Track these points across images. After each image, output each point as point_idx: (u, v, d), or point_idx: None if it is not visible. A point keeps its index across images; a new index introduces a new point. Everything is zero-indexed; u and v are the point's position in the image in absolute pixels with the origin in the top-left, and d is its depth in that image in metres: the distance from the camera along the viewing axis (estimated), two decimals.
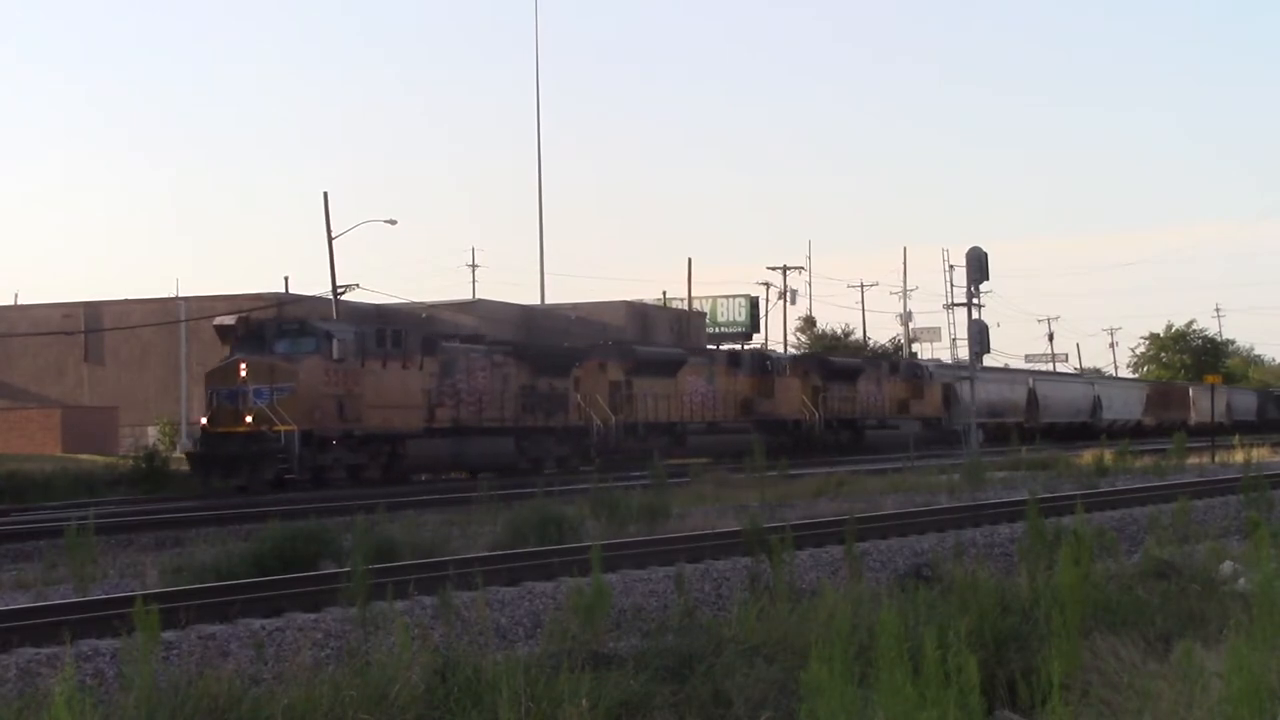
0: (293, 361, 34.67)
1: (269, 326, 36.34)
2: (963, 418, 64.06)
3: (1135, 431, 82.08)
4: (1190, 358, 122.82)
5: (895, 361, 68.88)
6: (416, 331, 41.62)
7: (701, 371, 51.00)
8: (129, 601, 11.45)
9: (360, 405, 35.70)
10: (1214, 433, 61.41)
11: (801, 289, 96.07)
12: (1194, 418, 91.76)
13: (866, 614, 11.13)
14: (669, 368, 49.18)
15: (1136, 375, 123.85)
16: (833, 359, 62.68)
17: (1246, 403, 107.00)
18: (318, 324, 36.61)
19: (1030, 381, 79.87)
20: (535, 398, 42.67)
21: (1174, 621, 11.96)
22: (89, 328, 61.42)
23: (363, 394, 35.82)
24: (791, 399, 55.10)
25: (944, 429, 64.36)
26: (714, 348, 57.93)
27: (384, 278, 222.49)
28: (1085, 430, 78.36)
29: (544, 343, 52.59)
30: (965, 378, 67.20)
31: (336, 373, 35.16)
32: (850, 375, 60.24)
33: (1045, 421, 74.78)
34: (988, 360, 74.48)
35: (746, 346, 79.78)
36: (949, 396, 66.47)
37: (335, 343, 35.29)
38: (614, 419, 45.48)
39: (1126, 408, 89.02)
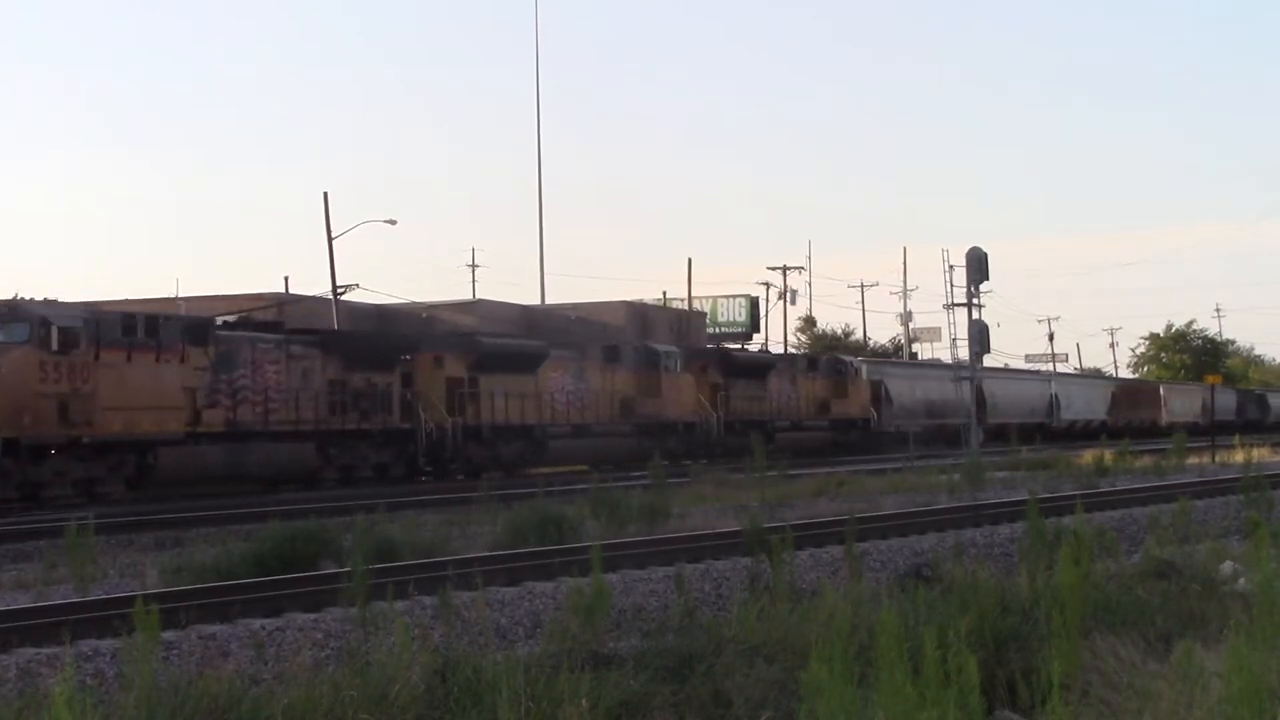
0: None
1: None
2: (897, 418, 61.14)
3: (1098, 433, 76.36)
4: (1190, 358, 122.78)
5: (814, 357, 62.55)
6: (178, 318, 35.50)
7: (569, 367, 45.08)
8: (129, 601, 11.46)
9: (92, 406, 29.64)
10: (1218, 433, 60.17)
11: (801, 289, 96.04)
12: (1166, 418, 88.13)
13: (866, 614, 11.13)
14: (526, 363, 42.97)
15: (1126, 372, 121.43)
16: (736, 354, 56.41)
17: (1224, 402, 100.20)
18: (33, 307, 30.01)
19: (978, 379, 74.83)
20: (347, 396, 36.55)
21: (1174, 621, 11.96)
22: None
23: (95, 392, 29.74)
24: (684, 399, 49.06)
25: (872, 431, 59.69)
26: (593, 342, 50.49)
27: (384, 278, 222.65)
28: (1041, 432, 72.80)
29: (363, 332, 47.23)
30: (897, 375, 63.90)
31: (57, 367, 29.21)
32: (758, 372, 54.38)
33: (994, 422, 68.96)
34: (960, 355, 72.76)
35: (747, 346, 79.86)
36: (879, 395, 61.40)
37: (55, 330, 29.19)
38: (451, 421, 39.27)
39: (1088, 407, 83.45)
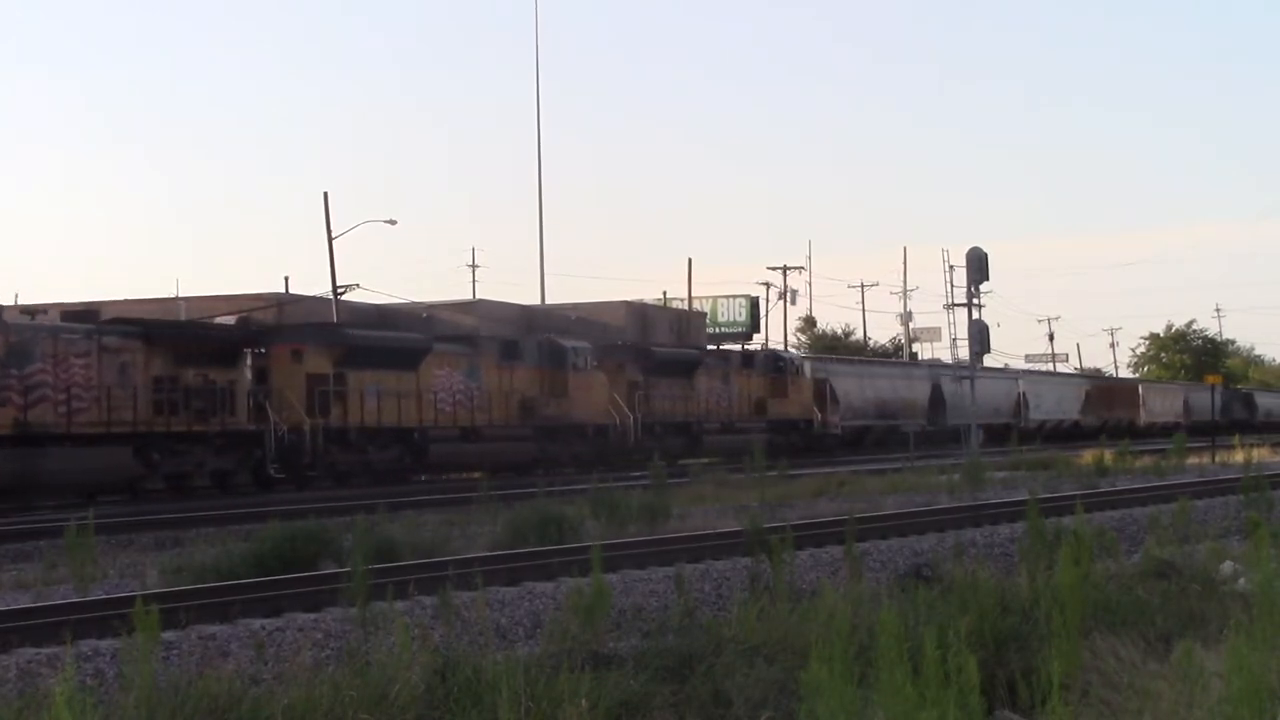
0: None
1: None
2: (844, 419, 57.50)
3: (1071, 434, 73.69)
4: (1190, 358, 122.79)
5: (749, 353, 57.28)
6: None
7: (458, 364, 40.69)
8: (129, 601, 11.46)
9: None
10: (1214, 433, 58.57)
11: (802, 289, 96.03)
12: (1144, 418, 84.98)
13: (866, 614, 11.14)
14: (405, 358, 38.77)
15: (1122, 369, 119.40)
16: (657, 349, 51.08)
17: (1206, 401, 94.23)
18: None
19: (935, 376, 69.74)
20: (177, 394, 32.51)
21: (1174, 621, 11.96)
22: None
23: None
24: (594, 399, 44.72)
25: (815, 433, 55.54)
26: (490, 336, 46.58)
27: (384, 278, 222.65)
28: (1008, 433, 69.61)
29: (198, 322, 42.06)
30: (844, 373, 59.83)
31: None
32: (684, 370, 50.15)
33: (954, 423, 64.39)
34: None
35: (748, 346, 79.88)
36: (823, 394, 57.14)
37: None
38: (311, 422, 35.15)
39: (1060, 407, 78.98)
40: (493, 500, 24.32)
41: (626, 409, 45.70)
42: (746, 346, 79.29)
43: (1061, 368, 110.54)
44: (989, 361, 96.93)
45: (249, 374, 34.90)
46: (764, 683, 10.09)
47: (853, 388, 60.72)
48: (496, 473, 37.18)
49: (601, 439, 44.66)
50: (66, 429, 30.09)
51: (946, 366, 74.50)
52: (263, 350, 35.98)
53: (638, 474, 33.04)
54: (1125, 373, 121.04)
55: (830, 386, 57.54)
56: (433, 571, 15.47)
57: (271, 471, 34.80)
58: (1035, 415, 74.58)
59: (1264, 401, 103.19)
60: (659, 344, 54.03)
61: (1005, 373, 79.82)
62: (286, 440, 34.47)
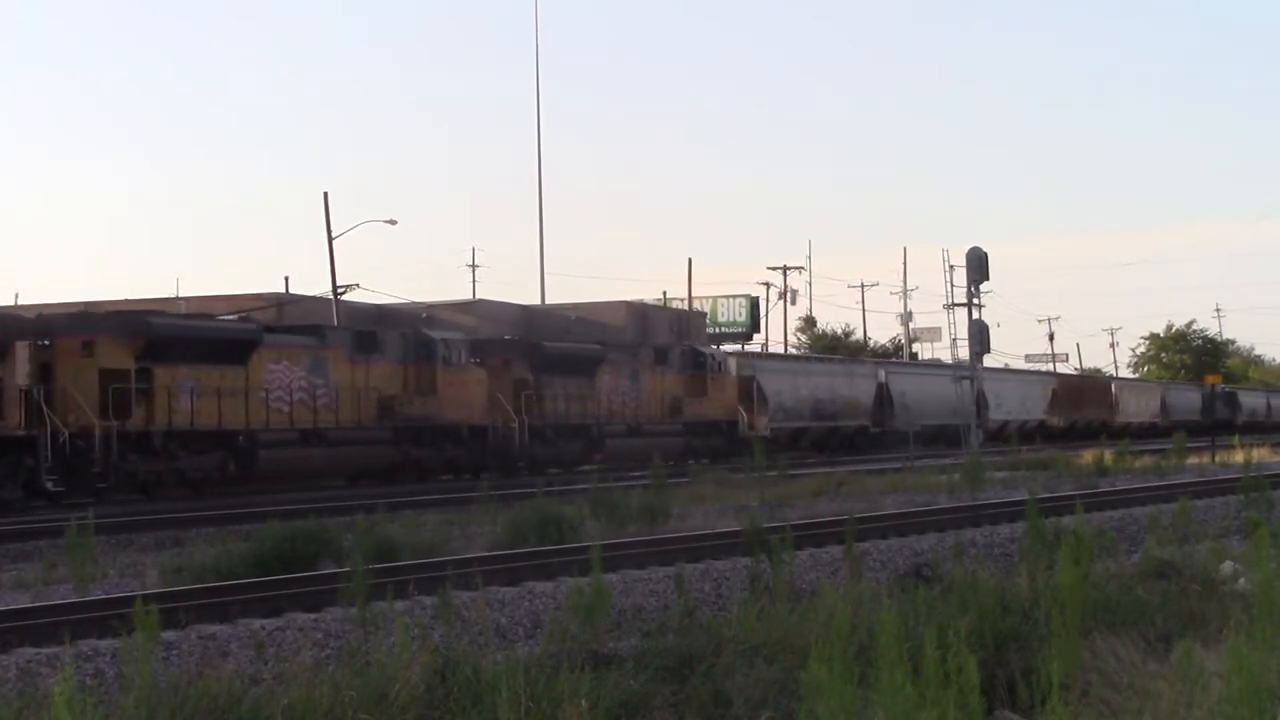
0: None
1: None
2: (774, 420, 53.46)
3: (1036, 435, 69.11)
4: (1190, 358, 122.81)
5: (663, 349, 51.02)
6: None
7: (300, 359, 35.18)
8: (129, 601, 11.46)
9: None
10: (1213, 433, 57.22)
11: (802, 289, 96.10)
12: (1118, 418, 79.92)
13: (866, 614, 11.13)
14: (231, 352, 33.37)
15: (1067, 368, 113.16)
16: (549, 344, 45.62)
17: (1187, 400, 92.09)
18: None
19: (880, 374, 64.31)
20: None
21: (1174, 621, 11.96)
22: None
23: None
24: (470, 398, 39.73)
25: (741, 435, 49.84)
26: (342, 326, 42.50)
27: (384, 278, 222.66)
28: (966, 434, 66.36)
29: None
30: (774, 371, 55.68)
31: None
32: (583, 367, 44.90)
33: (903, 424, 61.28)
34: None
35: (746, 346, 79.86)
36: (750, 394, 52.36)
37: None
38: (103, 426, 29.80)
39: (1023, 406, 73.53)
40: (493, 500, 24.33)
41: (511, 409, 40.69)
42: (745, 346, 79.34)
43: (1062, 368, 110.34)
44: (1012, 364, 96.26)
45: (22, 370, 28.90)
46: (764, 683, 10.09)
47: (784, 387, 56.01)
48: (358, 481, 35.52)
49: (479, 443, 39.91)
50: None
51: (894, 363, 71.76)
52: (46, 343, 30.47)
53: (523, 485, 30.03)
54: (1125, 372, 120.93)
55: (758, 385, 52.90)
56: (433, 571, 15.47)
57: (48, 484, 29.01)
58: (995, 415, 69.39)
59: (1248, 401, 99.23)
60: (552, 338, 48.83)
61: (963, 369, 76.77)
62: (69, 447, 28.96)
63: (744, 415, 50.84)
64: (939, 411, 63.73)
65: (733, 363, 53.23)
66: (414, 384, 38.39)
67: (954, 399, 65.03)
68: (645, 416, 46.92)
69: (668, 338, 65.80)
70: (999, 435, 66.31)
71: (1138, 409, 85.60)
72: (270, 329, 36.54)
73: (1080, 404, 79.18)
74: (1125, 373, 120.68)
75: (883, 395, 62.18)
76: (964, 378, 67.02)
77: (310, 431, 35.30)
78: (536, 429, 41.77)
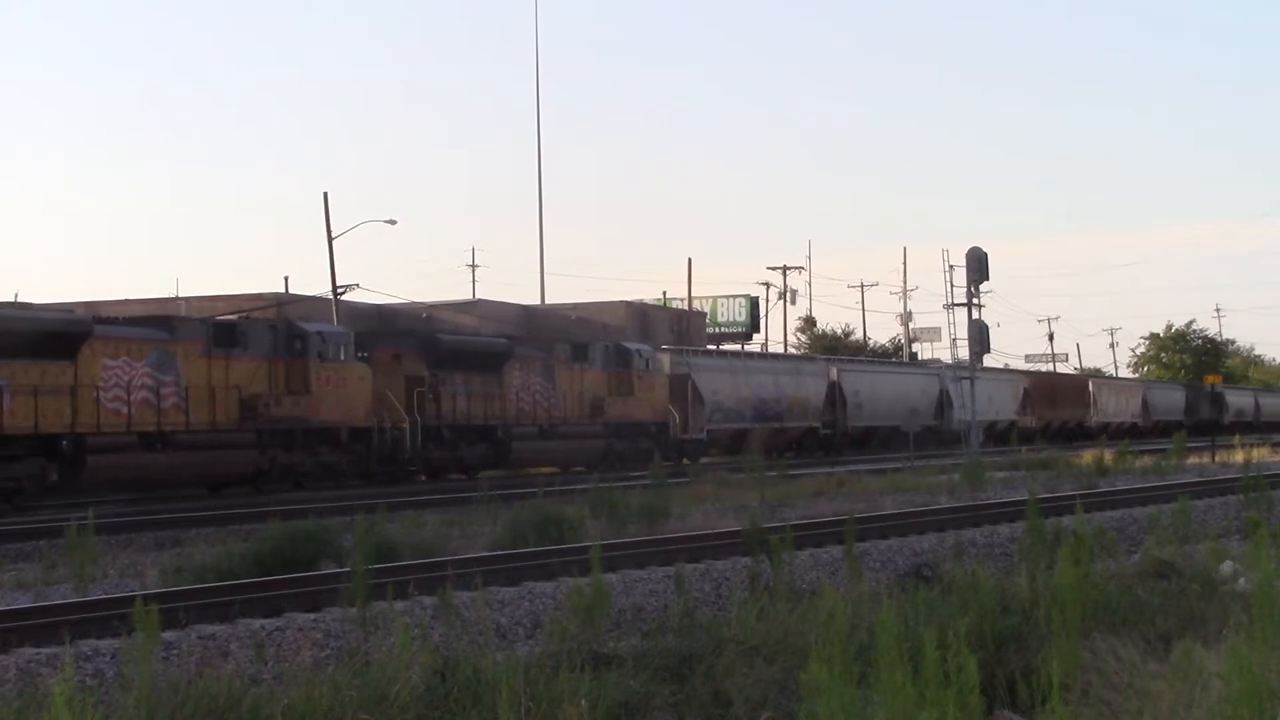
0: None
1: None
2: (712, 421, 50.14)
3: (1007, 436, 64.95)
4: (1190, 358, 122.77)
5: (582, 344, 47.01)
6: None
7: (140, 352, 31.22)
8: (129, 601, 11.47)
9: None
10: (1215, 433, 57.42)
11: (801, 289, 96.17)
12: (1095, 418, 77.25)
13: (866, 614, 11.13)
14: (53, 345, 29.44)
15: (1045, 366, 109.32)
16: (447, 337, 41.43)
17: (1170, 400, 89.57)
18: None
19: (832, 372, 59.95)
20: None
21: (1174, 621, 11.96)
22: None
23: None
24: (351, 397, 35.70)
25: (672, 437, 46.98)
26: (198, 319, 37.02)
27: (384, 278, 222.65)
28: (926, 435, 61.26)
29: None
30: (711, 368, 52.02)
31: None
32: (487, 363, 40.74)
33: (858, 425, 58.54)
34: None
35: (746, 347, 79.86)
36: (684, 393, 48.57)
37: None
38: None
39: (991, 406, 68.24)
40: (493, 500, 24.33)
41: (403, 409, 36.98)
42: (745, 346, 79.31)
43: (1062, 368, 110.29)
44: (1011, 364, 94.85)
45: None
46: (764, 683, 10.09)
47: (723, 385, 52.20)
48: (217, 490, 32.30)
49: (361, 446, 36.05)
50: None
51: (848, 360, 66.45)
52: None
53: (410, 493, 28.81)
54: (1125, 372, 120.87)
55: (693, 384, 49.18)
56: (433, 571, 15.48)
57: None
58: (961, 415, 64.18)
59: (1236, 400, 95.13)
60: (453, 331, 44.87)
61: (924, 369, 71.29)
62: None
63: (676, 416, 47.40)
64: (896, 411, 60.45)
65: (666, 360, 49.55)
66: (283, 382, 34.20)
67: (915, 397, 62.77)
68: (560, 417, 42.81)
69: (667, 338, 65.81)
70: (963, 436, 62.93)
71: (1117, 409, 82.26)
72: (105, 320, 32.83)
73: (1055, 403, 75.17)
74: (1125, 372, 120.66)
75: (835, 395, 58.59)
76: (931, 375, 65.55)
77: (153, 435, 31.09)
78: (432, 430, 38.05)
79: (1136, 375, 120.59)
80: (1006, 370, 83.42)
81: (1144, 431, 71.18)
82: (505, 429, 40.62)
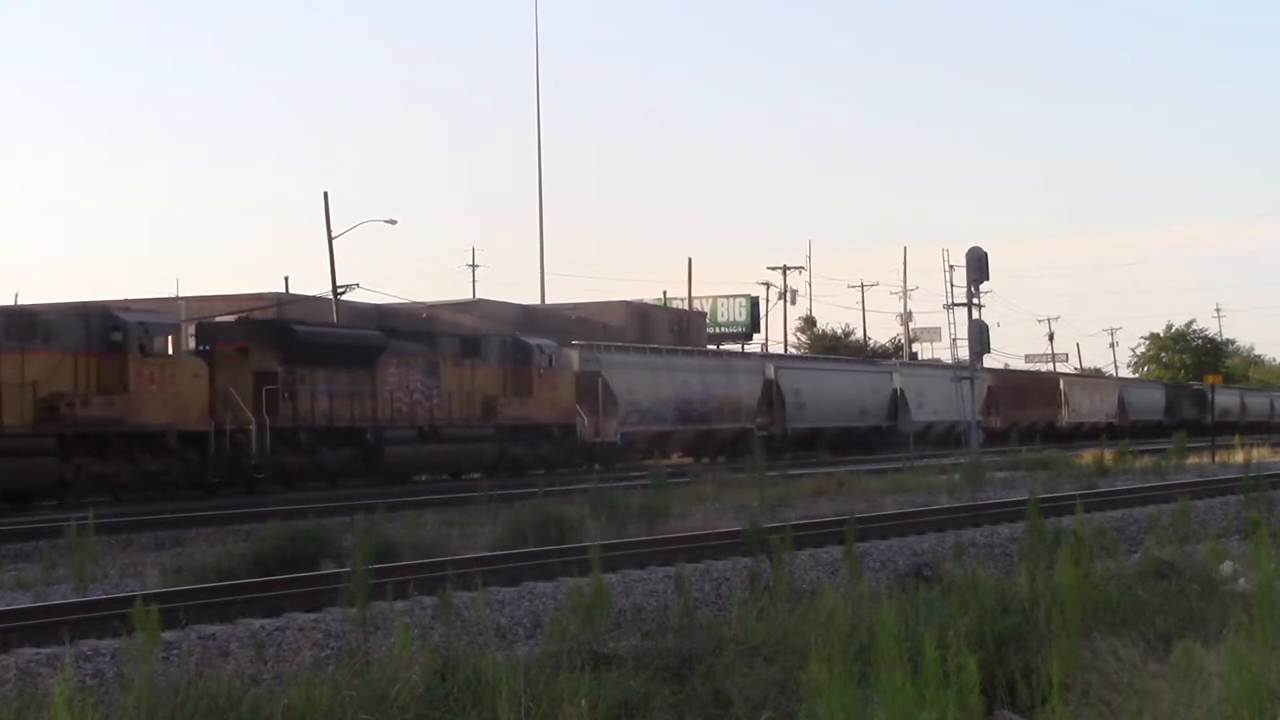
0: None
1: None
2: (626, 423, 46.23)
3: (967, 438, 62.44)
4: (1190, 358, 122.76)
5: (473, 337, 42.91)
6: None
7: None
8: (129, 601, 11.46)
9: None
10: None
11: (801, 289, 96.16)
12: (1068, 418, 74.03)
13: (866, 614, 11.13)
14: None
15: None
16: (305, 327, 36.50)
17: (1148, 399, 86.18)
18: None
19: (769, 370, 55.46)
20: None
21: (1174, 621, 11.96)
22: None
23: None
24: (182, 395, 31.55)
25: (580, 441, 43.15)
26: None
27: (384, 278, 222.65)
28: (879, 437, 59.28)
29: None
30: (626, 365, 48.12)
31: None
32: (356, 357, 36.32)
33: (799, 427, 54.33)
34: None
35: (746, 347, 79.88)
36: (594, 392, 44.58)
37: None
38: None
39: (952, 406, 62.01)
40: (493, 500, 24.34)
41: (250, 410, 32.65)
42: (745, 347, 79.26)
43: (1061, 368, 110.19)
44: (1011, 364, 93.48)
45: None
46: (764, 683, 10.08)
47: (640, 384, 47.84)
48: (22, 505, 28.44)
49: (194, 452, 31.63)
50: None
51: (787, 358, 61.77)
52: None
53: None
54: (1125, 372, 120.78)
55: (604, 382, 45.30)
56: (433, 571, 15.48)
57: None
58: (918, 416, 62.00)
59: (1221, 399, 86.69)
60: (310, 322, 40.15)
61: (877, 367, 67.09)
62: None
63: (584, 418, 43.49)
64: (844, 411, 57.39)
65: (574, 356, 45.86)
66: (94, 380, 30.15)
67: (865, 397, 58.92)
68: (445, 418, 38.64)
69: (667, 338, 65.76)
70: (921, 439, 59.79)
71: (1091, 408, 78.47)
72: None
73: (1022, 403, 70.39)
74: (1125, 372, 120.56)
75: (772, 394, 54.28)
76: (883, 373, 61.74)
77: None
78: (285, 433, 33.72)
79: (1136, 374, 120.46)
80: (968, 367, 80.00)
81: (1120, 432, 66.90)
82: (376, 431, 36.35)
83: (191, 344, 34.99)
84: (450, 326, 53.75)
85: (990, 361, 67.51)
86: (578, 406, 43.39)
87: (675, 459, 47.56)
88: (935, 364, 76.75)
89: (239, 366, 33.41)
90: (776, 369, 55.63)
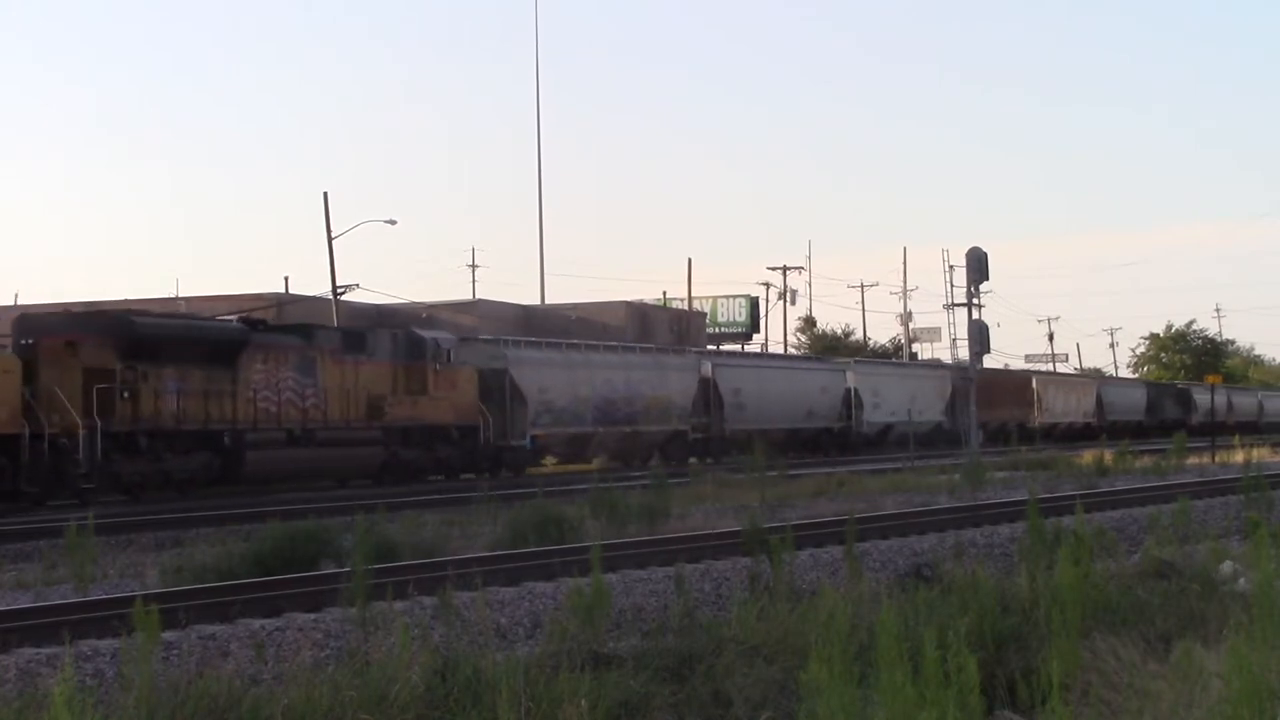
0: None
1: None
2: (538, 424, 42.43)
3: (931, 440, 58.89)
4: (1190, 358, 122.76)
5: (357, 332, 38.66)
6: None
7: None
8: (129, 601, 11.46)
9: None
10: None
11: (801, 289, 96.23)
12: (1040, 418, 70.33)
13: (866, 614, 11.13)
14: None
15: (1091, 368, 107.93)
16: (144, 319, 32.72)
17: (1128, 399, 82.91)
18: None
19: (705, 367, 51.55)
20: None
21: (1174, 621, 11.96)
22: None
23: None
24: None
25: (485, 443, 39.33)
26: None
27: (384, 278, 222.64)
28: (830, 439, 55.99)
29: None
30: (537, 361, 44.01)
31: None
32: (212, 352, 32.30)
33: (739, 429, 50.50)
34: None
35: (746, 347, 79.88)
36: (501, 391, 40.91)
37: None
38: None
39: (913, 406, 60.42)
40: (493, 500, 24.35)
41: (78, 411, 28.86)
42: (745, 347, 79.27)
43: (1061, 368, 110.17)
44: (1011, 364, 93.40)
45: None
46: (764, 683, 10.08)
47: (554, 382, 44.02)
48: None
49: (5, 459, 28.02)
50: None
51: (726, 355, 58.00)
52: None
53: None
54: (1125, 372, 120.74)
55: (511, 380, 41.71)
56: (433, 571, 15.48)
57: None
58: (874, 417, 58.96)
59: (1205, 398, 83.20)
60: (157, 314, 36.92)
61: (828, 364, 62.89)
62: None
63: (489, 419, 39.67)
64: (789, 412, 53.94)
65: (480, 351, 42.16)
66: None
67: (813, 397, 55.63)
68: (321, 420, 34.69)
69: (667, 338, 65.78)
70: (877, 441, 58.15)
71: (1065, 408, 75.09)
72: None
73: (991, 403, 65.14)
74: (1125, 372, 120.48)
75: (710, 394, 50.64)
76: (835, 371, 57.78)
77: None
78: (122, 438, 30.07)
79: (1135, 375, 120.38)
80: (931, 365, 76.08)
81: (1097, 433, 64.30)
82: (236, 435, 32.34)
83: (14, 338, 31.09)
84: (450, 327, 53.71)
85: (989, 361, 67.03)
86: (481, 406, 39.61)
87: (596, 463, 44.68)
88: (896, 363, 74.31)
89: (65, 363, 29.76)
90: (714, 367, 52.11)
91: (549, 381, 43.82)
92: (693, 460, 46.65)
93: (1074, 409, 75.92)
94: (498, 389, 40.79)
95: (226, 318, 38.13)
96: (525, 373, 42.75)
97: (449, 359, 38.96)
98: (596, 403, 45.53)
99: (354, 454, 35.63)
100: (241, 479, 32.76)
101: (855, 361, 64.58)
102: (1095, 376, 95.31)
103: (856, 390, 58.35)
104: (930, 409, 62.84)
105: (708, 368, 51.54)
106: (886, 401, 59.88)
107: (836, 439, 56.04)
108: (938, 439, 59.91)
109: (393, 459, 36.68)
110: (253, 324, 35.15)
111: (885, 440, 58.96)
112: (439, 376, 38.33)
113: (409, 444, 37.36)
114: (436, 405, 38.13)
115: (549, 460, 45.18)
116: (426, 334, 39.83)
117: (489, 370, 40.86)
